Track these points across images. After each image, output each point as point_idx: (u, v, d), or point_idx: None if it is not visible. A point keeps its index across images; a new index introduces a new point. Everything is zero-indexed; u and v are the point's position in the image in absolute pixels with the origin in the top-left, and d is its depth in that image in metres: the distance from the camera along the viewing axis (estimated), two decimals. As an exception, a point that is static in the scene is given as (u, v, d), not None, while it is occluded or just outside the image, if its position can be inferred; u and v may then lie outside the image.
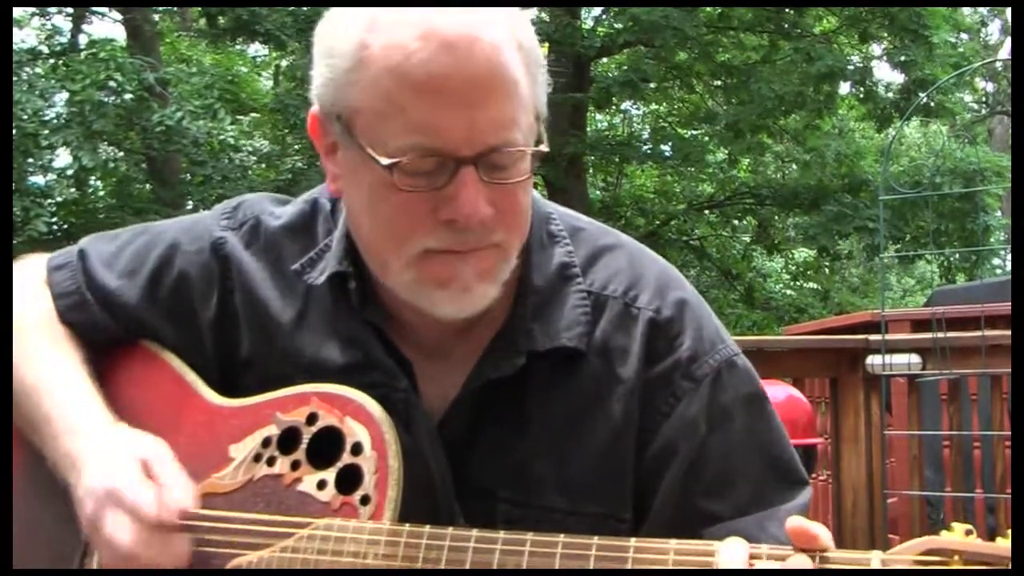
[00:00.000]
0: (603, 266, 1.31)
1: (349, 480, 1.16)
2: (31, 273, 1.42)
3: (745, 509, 1.24)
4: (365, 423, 1.17)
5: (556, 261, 1.29)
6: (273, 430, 1.23)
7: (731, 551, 1.05)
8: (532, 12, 1.21)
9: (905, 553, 0.99)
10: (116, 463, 1.22)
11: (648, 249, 1.37)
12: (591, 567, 1.07)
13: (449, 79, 1.09)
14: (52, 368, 1.33)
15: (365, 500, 1.15)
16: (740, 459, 1.26)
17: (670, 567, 1.05)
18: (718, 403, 1.26)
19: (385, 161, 1.12)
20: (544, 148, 1.18)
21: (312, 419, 1.20)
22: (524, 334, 1.25)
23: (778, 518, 1.21)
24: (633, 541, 1.07)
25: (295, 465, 1.20)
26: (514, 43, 1.14)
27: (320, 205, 1.35)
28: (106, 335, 1.38)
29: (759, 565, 1.03)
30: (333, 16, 1.18)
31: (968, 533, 0.99)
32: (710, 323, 1.31)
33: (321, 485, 1.18)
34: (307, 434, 1.20)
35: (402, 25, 1.11)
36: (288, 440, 1.21)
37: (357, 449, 1.17)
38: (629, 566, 1.06)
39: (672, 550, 1.06)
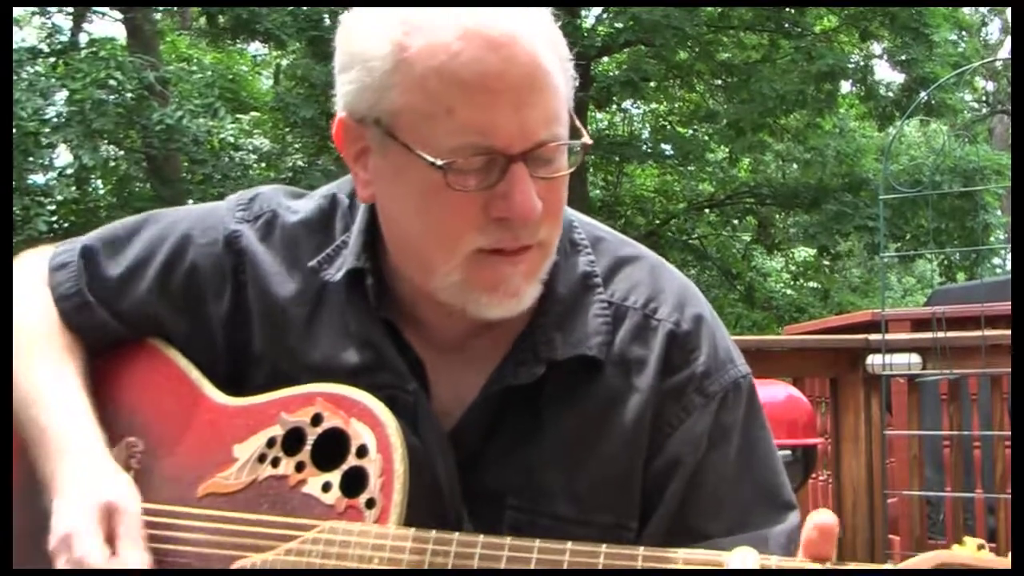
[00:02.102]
0: (624, 277, 1.31)
1: (354, 483, 1.16)
2: (32, 272, 1.40)
3: (733, 529, 1.24)
4: (370, 425, 1.17)
5: (579, 270, 1.29)
6: (278, 430, 1.22)
7: (740, 562, 1.04)
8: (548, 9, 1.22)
9: (917, 567, 0.98)
10: (81, 504, 1.22)
11: (667, 262, 1.37)
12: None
13: (498, 78, 1.10)
14: (51, 381, 1.32)
15: (370, 503, 1.14)
16: (733, 480, 1.27)
17: None
18: (721, 422, 1.27)
19: (440, 162, 1.11)
20: (588, 140, 1.18)
21: (317, 420, 1.20)
22: (545, 343, 1.25)
23: (763, 540, 1.22)
24: (641, 550, 1.07)
25: (300, 466, 1.19)
26: (546, 38, 1.15)
27: (338, 201, 1.34)
28: (109, 336, 1.37)
29: None
30: (357, 21, 1.18)
31: (980, 547, 0.98)
32: (724, 341, 1.31)
33: (326, 487, 1.17)
34: (312, 435, 1.20)
35: (440, 25, 1.11)
36: (293, 441, 1.21)
37: (362, 451, 1.16)
38: None
39: (681, 559, 1.06)
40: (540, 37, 1.14)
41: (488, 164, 1.12)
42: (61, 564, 1.19)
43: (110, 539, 1.20)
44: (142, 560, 1.20)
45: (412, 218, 1.18)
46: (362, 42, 1.16)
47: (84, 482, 1.24)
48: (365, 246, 1.27)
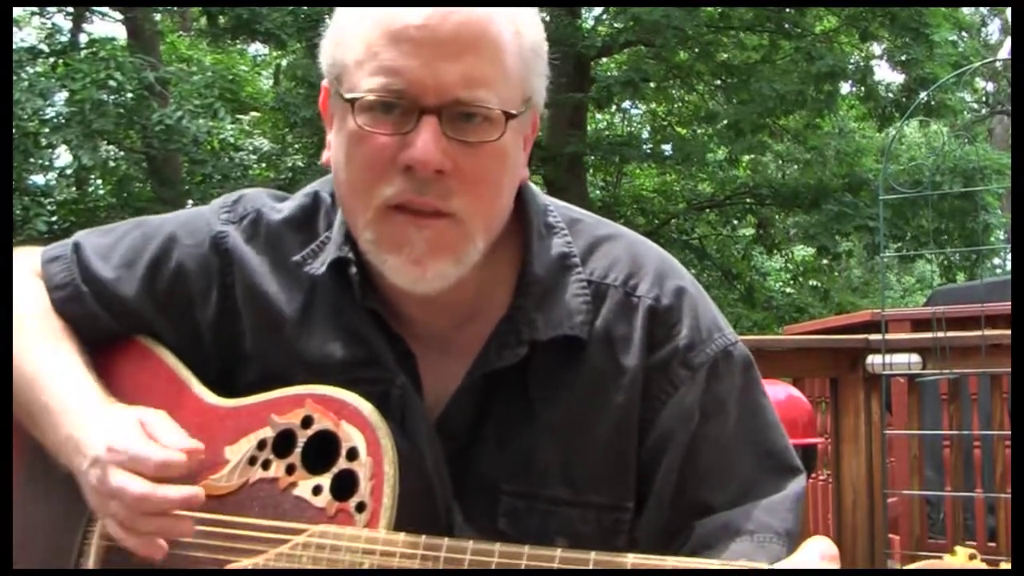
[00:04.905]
0: (602, 255, 1.31)
1: (345, 486, 1.15)
2: (24, 266, 1.40)
3: (737, 499, 1.24)
4: (360, 428, 1.16)
5: (555, 251, 1.29)
6: (268, 432, 1.22)
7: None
8: (536, 10, 1.24)
9: None
10: (114, 427, 1.22)
11: (646, 239, 1.37)
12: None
13: (426, 29, 1.13)
14: (50, 357, 1.32)
15: (361, 507, 1.14)
16: (733, 449, 1.27)
17: None
18: (713, 392, 1.27)
19: (347, 95, 1.16)
20: (516, 110, 1.18)
21: (307, 422, 1.19)
22: (527, 324, 1.25)
23: (769, 507, 1.23)
24: (631, 557, 1.06)
25: (290, 469, 1.19)
26: (510, 23, 1.18)
27: (321, 199, 1.35)
28: (101, 328, 1.37)
29: None
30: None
31: (972, 557, 0.97)
32: (707, 311, 1.31)
33: (316, 490, 1.17)
34: (302, 437, 1.19)
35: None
36: (283, 443, 1.20)
37: (352, 454, 1.15)
38: None
39: (670, 564, 1.05)
40: (500, 17, 1.16)
41: (404, 113, 1.15)
42: (112, 470, 1.17)
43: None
44: (193, 442, 1.20)
45: (342, 170, 1.21)
46: (341, 13, 1.22)
47: (108, 415, 1.24)
48: (347, 237, 1.27)
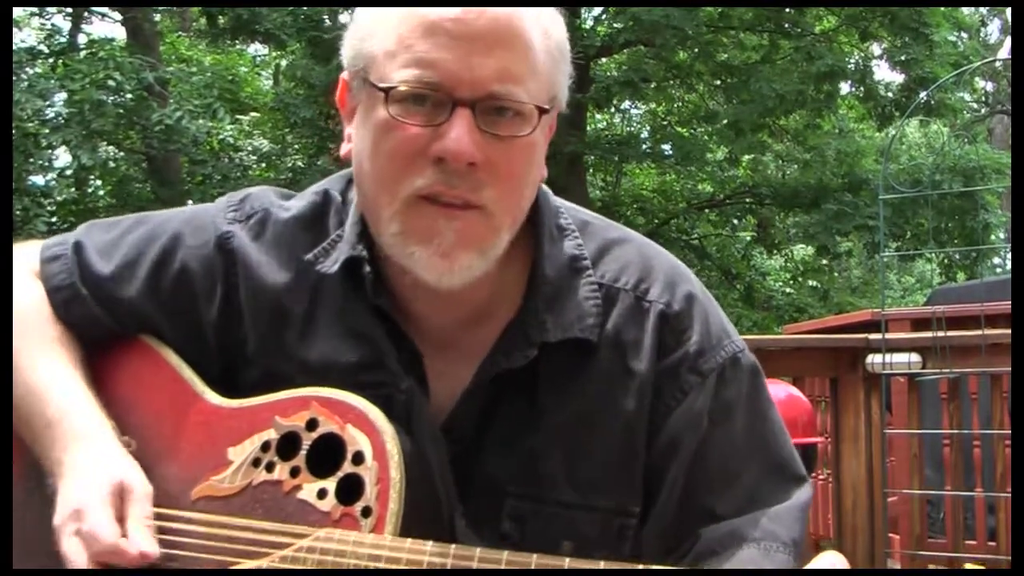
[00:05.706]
0: (613, 259, 1.31)
1: (350, 490, 1.14)
2: (24, 264, 1.38)
3: (744, 508, 1.23)
4: (367, 432, 1.15)
5: (567, 253, 1.29)
6: (272, 434, 1.21)
7: None
8: (558, 10, 1.26)
9: None
10: (93, 481, 1.21)
11: (655, 243, 1.37)
12: None
13: (462, 23, 1.14)
14: (50, 371, 1.31)
15: (366, 512, 1.13)
16: (740, 457, 1.26)
17: None
18: (721, 399, 1.26)
19: (382, 85, 1.15)
20: (545, 106, 1.19)
21: (312, 425, 1.18)
22: (536, 326, 1.24)
23: (775, 516, 1.22)
24: (641, 567, 1.05)
25: (294, 472, 1.18)
26: (538, 24, 1.19)
27: (331, 197, 1.34)
28: (102, 329, 1.35)
29: None
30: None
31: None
32: (716, 317, 1.31)
33: (321, 494, 1.16)
34: (307, 440, 1.18)
35: None
36: (287, 445, 1.19)
37: (358, 458, 1.14)
38: None
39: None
40: (529, 16, 1.17)
41: (437, 105, 1.15)
42: (68, 537, 1.17)
43: (120, 519, 1.19)
44: (151, 545, 1.18)
45: (367, 160, 1.20)
46: (367, 8, 1.22)
47: (95, 463, 1.23)
48: (360, 236, 1.27)
